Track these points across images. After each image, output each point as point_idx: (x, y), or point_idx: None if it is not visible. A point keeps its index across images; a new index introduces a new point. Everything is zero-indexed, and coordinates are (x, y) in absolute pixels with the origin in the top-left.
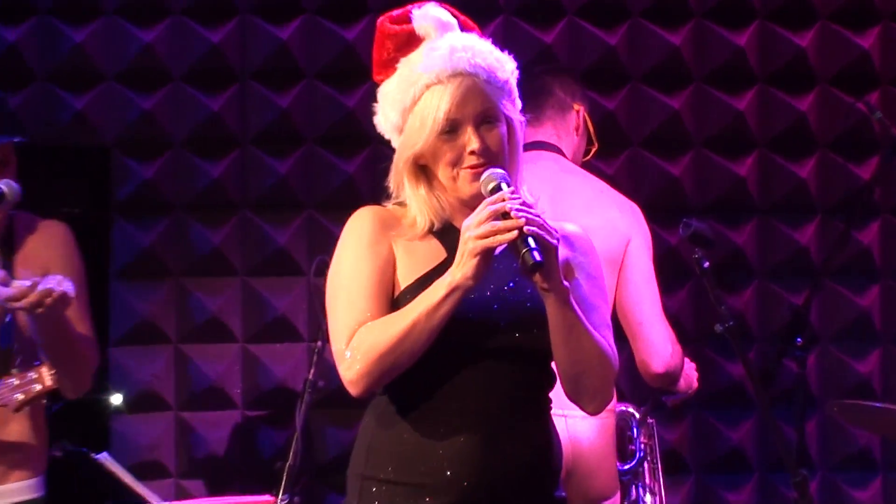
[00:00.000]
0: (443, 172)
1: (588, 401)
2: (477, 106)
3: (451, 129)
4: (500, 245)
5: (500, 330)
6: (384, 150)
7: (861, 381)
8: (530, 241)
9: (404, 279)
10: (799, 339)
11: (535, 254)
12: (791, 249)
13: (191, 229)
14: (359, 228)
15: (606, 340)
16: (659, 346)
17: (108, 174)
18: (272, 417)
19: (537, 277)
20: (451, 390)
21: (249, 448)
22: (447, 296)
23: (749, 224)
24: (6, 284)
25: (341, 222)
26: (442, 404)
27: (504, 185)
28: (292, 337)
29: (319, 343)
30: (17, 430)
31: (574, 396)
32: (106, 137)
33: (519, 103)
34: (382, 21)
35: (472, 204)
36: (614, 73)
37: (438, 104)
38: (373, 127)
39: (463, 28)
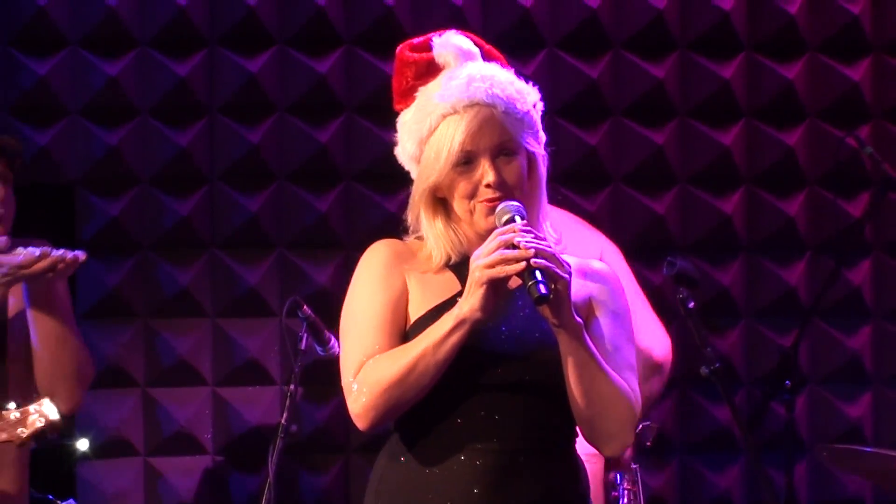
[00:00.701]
0: (459, 205)
1: (603, 444)
2: (494, 138)
3: (466, 160)
4: (508, 275)
5: (512, 365)
6: (357, 188)
7: (851, 425)
8: (537, 273)
9: (415, 312)
10: (787, 382)
11: (541, 286)
12: (779, 289)
13: (158, 269)
14: (372, 261)
15: (627, 383)
16: (657, 332)
17: (72, 212)
18: (244, 463)
19: (545, 311)
20: (461, 425)
21: (220, 495)
22: (454, 328)
23: (735, 263)
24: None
25: (313, 261)
26: (451, 440)
27: (518, 218)
28: (264, 380)
29: (292, 386)
30: (8, 477)
31: (589, 438)
32: (70, 174)
33: (543, 136)
34: (402, 49)
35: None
36: (596, 106)
37: (454, 135)
38: (345, 162)
39: (486, 57)
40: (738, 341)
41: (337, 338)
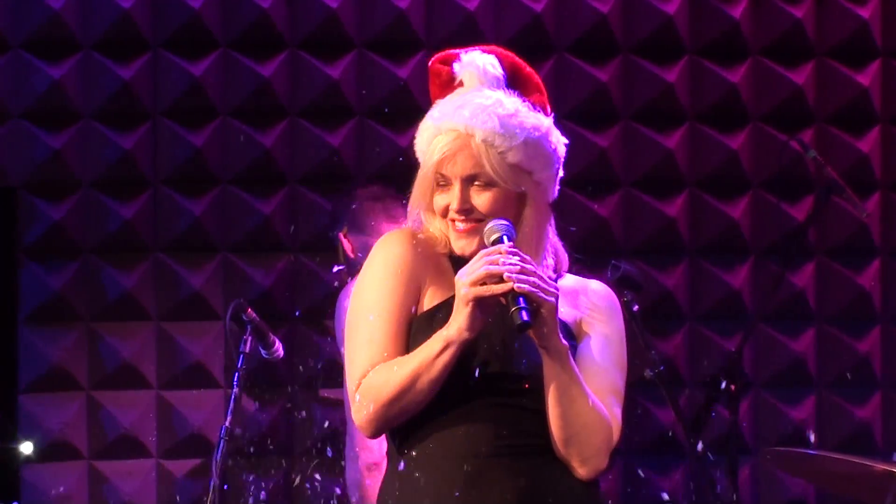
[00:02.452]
0: (438, 221)
1: (579, 465)
2: (466, 167)
3: (442, 181)
4: (493, 295)
5: (497, 373)
6: (301, 191)
7: (795, 427)
8: (521, 299)
9: (424, 305)
10: (732, 385)
11: (524, 313)
12: (723, 292)
13: (102, 273)
14: (389, 255)
15: (608, 407)
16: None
17: (15, 216)
18: (188, 466)
19: (540, 336)
20: (447, 440)
21: (165, 498)
22: (443, 350)
23: (679, 266)
24: None
25: (257, 264)
26: (438, 453)
27: (505, 238)
28: (208, 383)
29: (236, 389)
30: None
31: (564, 457)
32: (13, 177)
33: (547, 169)
34: (434, 59)
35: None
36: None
37: (432, 155)
38: (289, 165)
39: (511, 82)
40: (682, 344)
41: (281, 341)
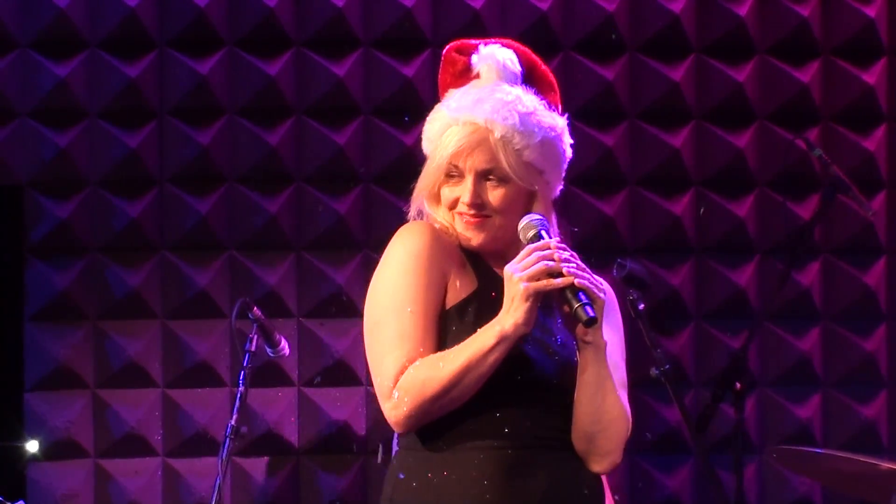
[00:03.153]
0: (443, 211)
1: (598, 460)
2: (481, 161)
3: (454, 173)
4: (552, 289)
5: (532, 368)
6: (307, 190)
7: (801, 426)
8: (582, 295)
9: (448, 301)
10: (737, 384)
11: (588, 309)
12: (729, 291)
13: (108, 271)
14: (413, 246)
15: (622, 401)
16: None
17: (21, 214)
18: (194, 465)
19: (580, 329)
20: (475, 432)
21: (171, 496)
22: (497, 344)
23: (685, 265)
24: None
25: (264, 263)
26: (466, 445)
27: (545, 234)
28: (214, 382)
29: (242, 388)
30: None
31: (585, 454)
32: (19, 176)
33: (557, 168)
34: (450, 47)
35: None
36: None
37: (447, 146)
38: (295, 164)
39: (527, 78)
40: (688, 343)
41: (287, 340)
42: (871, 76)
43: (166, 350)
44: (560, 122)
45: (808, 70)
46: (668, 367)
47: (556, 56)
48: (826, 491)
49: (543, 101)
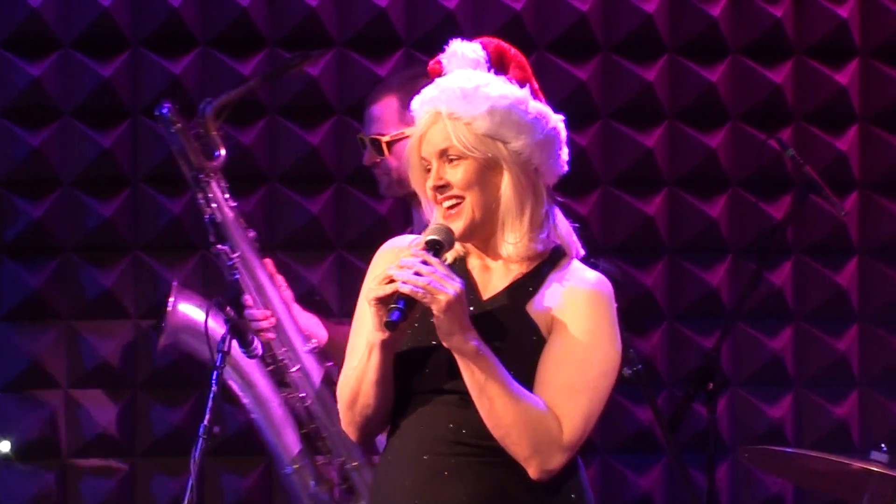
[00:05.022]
0: (429, 208)
1: (524, 465)
2: (438, 143)
3: (428, 165)
4: (385, 295)
5: (441, 374)
6: (280, 189)
7: (773, 426)
8: (402, 301)
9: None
10: (710, 384)
11: (394, 313)
12: (701, 291)
13: (81, 271)
14: (373, 266)
15: (559, 405)
16: None
17: None
18: (166, 465)
19: (443, 337)
20: (405, 433)
21: (143, 497)
22: (369, 352)
23: (658, 265)
24: None
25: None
26: (399, 445)
27: (429, 239)
28: (187, 382)
29: (215, 388)
30: None
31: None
32: None
33: (524, 136)
34: (430, 62)
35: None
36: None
37: (412, 142)
38: (269, 163)
39: (495, 63)
40: (661, 342)
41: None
42: (844, 76)
43: (139, 350)
44: (517, 91)
45: (781, 70)
46: (640, 366)
47: (529, 56)
48: (798, 490)
49: (505, 77)
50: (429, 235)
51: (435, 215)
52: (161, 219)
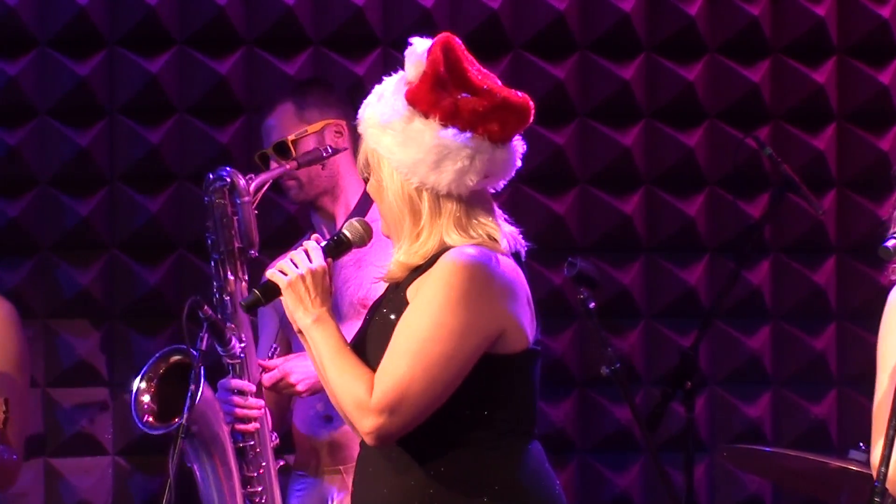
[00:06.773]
0: None
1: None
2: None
3: None
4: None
5: None
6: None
7: (751, 425)
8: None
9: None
10: (688, 383)
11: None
12: (679, 289)
13: (58, 270)
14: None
15: (381, 369)
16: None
17: None
18: (145, 464)
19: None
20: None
21: (121, 496)
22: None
23: (636, 263)
24: None
25: None
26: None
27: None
28: None
29: (192, 387)
30: None
31: None
32: None
33: (390, 138)
34: None
35: None
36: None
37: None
38: (246, 163)
39: (447, 67)
40: (639, 341)
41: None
42: (821, 75)
43: (117, 348)
44: (398, 107)
45: (758, 69)
46: (618, 365)
47: (506, 55)
48: (776, 489)
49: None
50: (344, 228)
51: None
52: (138, 218)
